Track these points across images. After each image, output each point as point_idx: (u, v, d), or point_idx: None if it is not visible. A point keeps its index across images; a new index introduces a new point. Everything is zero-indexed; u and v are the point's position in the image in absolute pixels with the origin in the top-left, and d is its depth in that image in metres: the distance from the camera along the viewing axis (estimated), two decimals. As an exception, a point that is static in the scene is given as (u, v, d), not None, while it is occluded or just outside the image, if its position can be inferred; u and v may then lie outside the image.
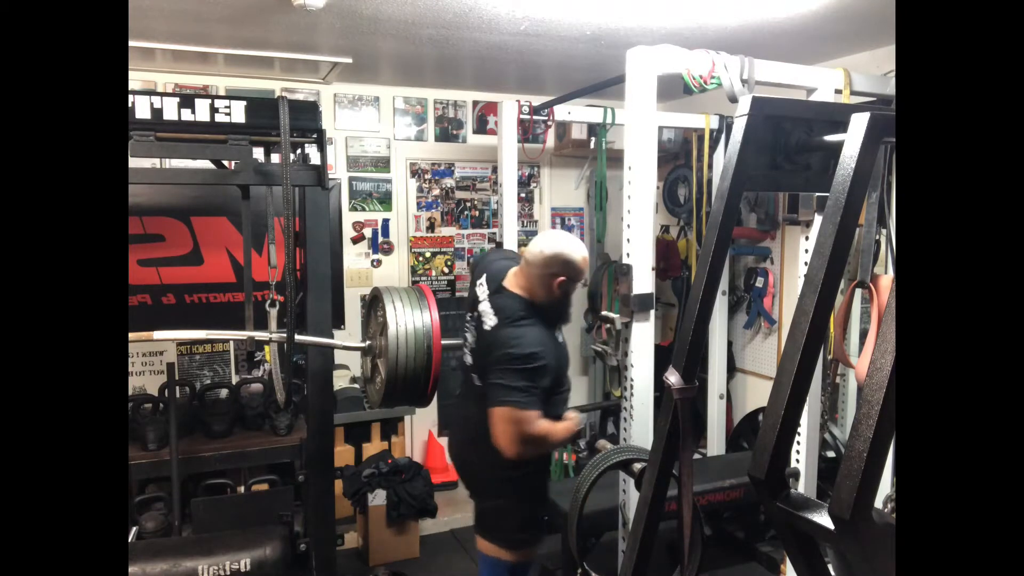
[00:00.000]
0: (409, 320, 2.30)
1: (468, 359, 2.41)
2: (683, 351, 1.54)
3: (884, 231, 2.22)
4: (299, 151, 2.66)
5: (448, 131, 4.46)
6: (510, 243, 3.35)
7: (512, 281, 2.33)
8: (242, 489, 3.45)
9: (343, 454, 3.85)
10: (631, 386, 2.51)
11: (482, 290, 2.38)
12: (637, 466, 2.02)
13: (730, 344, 4.08)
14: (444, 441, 2.26)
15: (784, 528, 1.32)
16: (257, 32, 3.03)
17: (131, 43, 3.12)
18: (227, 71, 3.77)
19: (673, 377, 1.54)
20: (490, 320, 2.26)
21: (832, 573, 1.35)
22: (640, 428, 2.50)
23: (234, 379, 3.96)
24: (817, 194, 2.59)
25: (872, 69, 3.18)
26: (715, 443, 3.93)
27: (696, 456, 3.62)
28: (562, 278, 2.22)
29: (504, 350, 2.15)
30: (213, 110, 2.30)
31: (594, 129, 3.99)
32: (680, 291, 4.31)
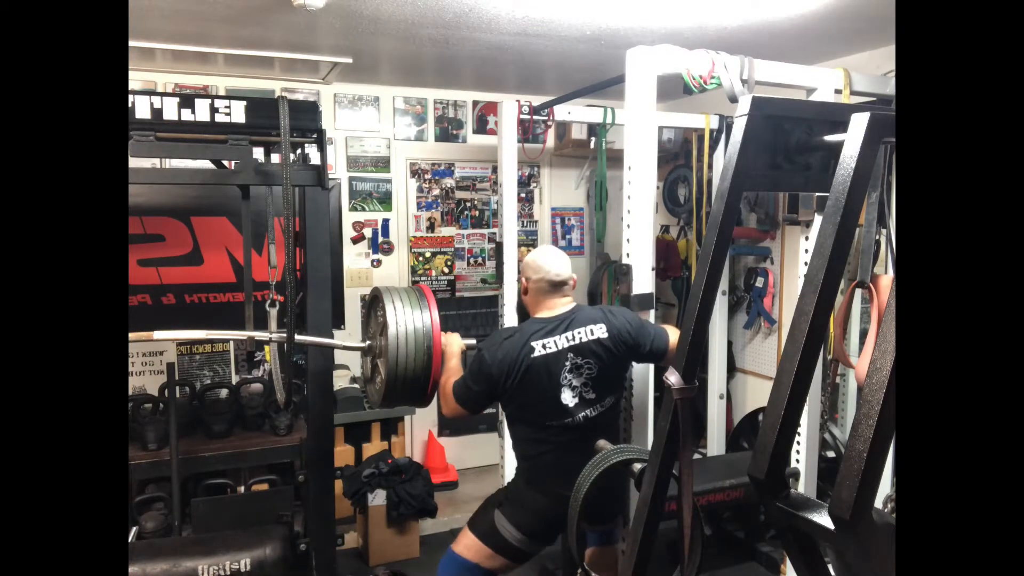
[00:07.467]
0: (409, 320, 2.30)
1: (586, 411, 2.30)
2: (683, 351, 1.54)
3: (884, 231, 2.21)
4: (299, 151, 2.65)
5: (448, 131, 4.46)
6: (510, 243, 3.34)
7: (559, 305, 2.37)
8: (242, 489, 3.45)
9: (343, 454, 3.85)
10: (631, 386, 2.52)
11: (550, 342, 2.28)
12: (637, 466, 2.01)
13: (730, 344, 4.09)
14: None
15: (784, 528, 1.32)
16: (257, 32, 3.03)
17: (131, 43, 3.12)
18: (227, 71, 3.77)
19: (673, 377, 1.54)
20: (598, 332, 2.30)
21: (832, 573, 1.35)
22: (640, 428, 2.50)
23: (234, 379, 3.97)
24: (817, 194, 2.59)
25: (872, 69, 3.18)
26: (715, 443, 3.93)
27: (696, 456, 3.62)
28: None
29: (630, 317, 2.36)
30: (213, 110, 2.30)
31: (594, 129, 3.99)
32: (680, 291, 4.31)
